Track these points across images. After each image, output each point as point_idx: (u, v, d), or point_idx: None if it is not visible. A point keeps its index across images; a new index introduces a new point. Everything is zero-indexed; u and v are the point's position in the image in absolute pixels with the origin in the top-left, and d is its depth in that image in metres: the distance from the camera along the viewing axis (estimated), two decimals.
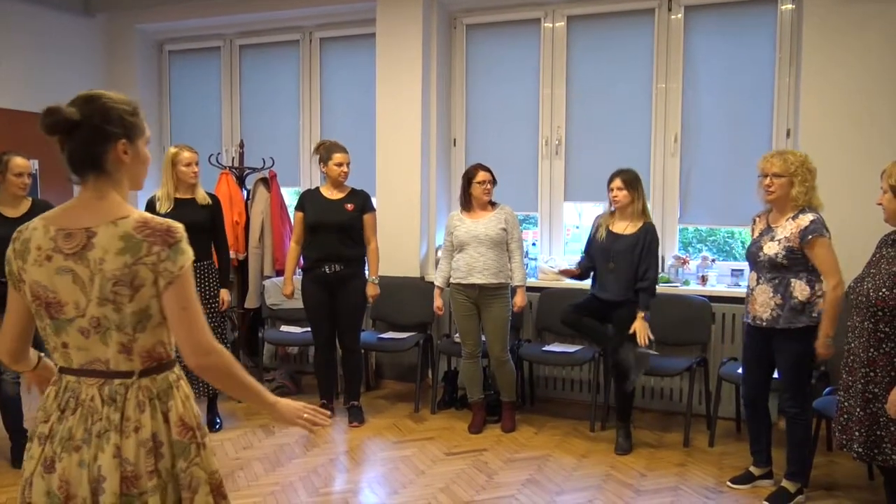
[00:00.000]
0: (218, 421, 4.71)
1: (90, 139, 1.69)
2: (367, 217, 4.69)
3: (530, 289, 5.04)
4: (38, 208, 4.06)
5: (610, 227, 4.31)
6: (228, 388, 1.82)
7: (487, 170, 4.59)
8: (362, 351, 5.00)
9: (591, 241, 4.41)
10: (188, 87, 6.67)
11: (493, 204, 4.65)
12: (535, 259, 5.43)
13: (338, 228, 4.58)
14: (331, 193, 4.66)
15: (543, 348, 4.88)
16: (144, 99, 6.58)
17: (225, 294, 4.58)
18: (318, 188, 4.76)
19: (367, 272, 4.78)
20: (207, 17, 6.15)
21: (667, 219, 5.18)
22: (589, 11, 5.29)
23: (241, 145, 6.00)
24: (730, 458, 4.15)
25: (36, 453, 1.71)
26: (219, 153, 6.02)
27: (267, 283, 5.67)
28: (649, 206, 5.12)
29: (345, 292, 4.64)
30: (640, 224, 4.26)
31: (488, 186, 4.56)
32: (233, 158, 6.11)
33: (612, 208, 4.35)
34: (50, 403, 1.73)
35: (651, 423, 4.77)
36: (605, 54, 5.27)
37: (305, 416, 1.91)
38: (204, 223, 4.43)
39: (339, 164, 4.59)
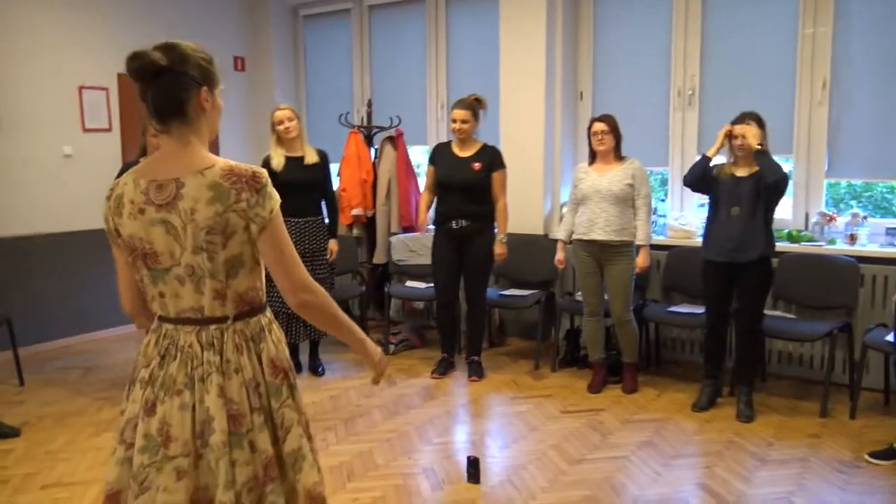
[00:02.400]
0: (320, 366, 4.94)
1: (175, 85, 1.71)
2: (495, 175, 4.64)
3: (658, 247, 4.86)
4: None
5: (734, 173, 4.03)
6: (326, 324, 1.86)
7: (603, 120, 4.41)
8: (486, 307, 5.03)
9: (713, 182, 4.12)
10: (321, 50, 6.87)
11: (621, 157, 4.47)
12: (665, 216, 5.19)
13: (462, 187, 4.59)
14: (460, 150, 4.66)
15: (669, 309, 4.68)
16: (281, 62, 6.87)
17: (333, 244, 4.75)
18: (449, 143, 4.77)
19: (495, 229, 4.75)
20: None
21: (812, 171, 4.77)
22: None
23: (370, 105, 6.13)
24: (872, 431, 3.82)
25: (138, 396, 1.78)
26: (348, 112, 6.17)
27: (393, 239, 5.79)
28: (791, 159, 4.80)
29: (472, 247, 4.67)
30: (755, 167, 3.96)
31: (601, 137, 4.38)
32: (361, 118, 6.25)
33: (732, 158, 4.07)
34: (150, 350, 1.81)
35: (785, 390, 4.47)
36: None
37: (382, 364, 1.97)
38: (313, 180, 4.62)
39: (454, 121, 4.58)
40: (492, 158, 4.64)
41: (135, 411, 1.78)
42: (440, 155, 4.73)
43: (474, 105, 4.63)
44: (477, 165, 4.59)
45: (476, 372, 4.81)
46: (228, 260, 1.73)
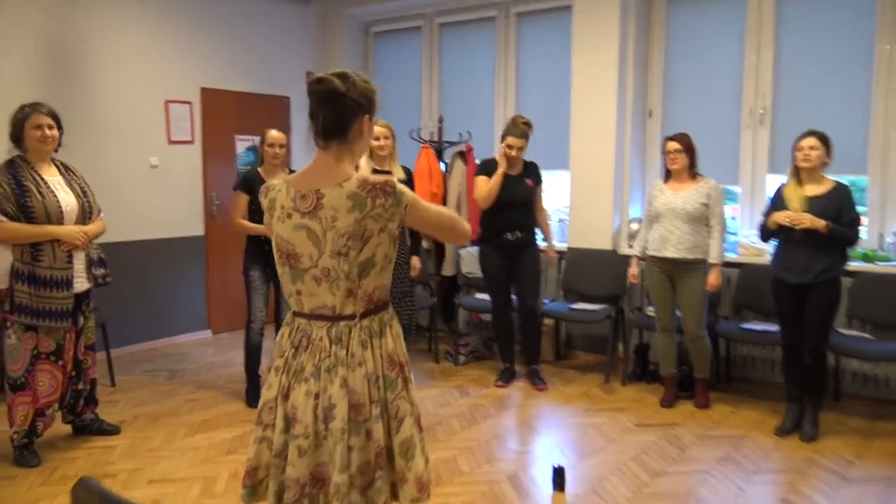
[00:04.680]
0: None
1: (346, 109, 1.92)
2: (539, 188, 4.97)
3: (730, 264, 4.90)
4: None
5: (804, 193, 4.05)
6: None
7: (676, 139, 4.49)
8: (542, 316, 5.14)
9: (775, 208, 4.12)
10: (392, 67, 7.06)
11: (696, 176, 4.54)
12: (735, 234, 5.23)
13: (522, 203, 4.86)
14: (510, 169, 4.85)
15: (741, 326, 4.72)
16: None
17: (416, 261, 4.86)
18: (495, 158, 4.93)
19: (538, 237, 5.03)
20: None
21: (888, 191, 4.78)
22: None
23: (440, 120, 6.28)
24: None
25: (275, 382, 1.99)
26: (419, 128, 6.33)
27: (463, 251, 5.92)
28: (866, 178, 4.81)
29: (524, 258, 4.89)
30: (830, 184, 3.99)
31: (674, 156, 4.47)
32: (431, 133, 6.41)
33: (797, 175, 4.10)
34: (285, 342, 2.01)
35: (861, 410, 4.47)
36: (819, 16, 4.93)
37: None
38: None
39: (510, 147, 4.79)
40: (537, 174, 4.98)
41: (270, 396, 1.99)
42: (493, 171, 4.87)
43: (528, 131, 4.85)
44: (530, 182, 4.89)
45: (539, 380, 4.95)
46: (363, 262, 1.90)
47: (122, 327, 5.52)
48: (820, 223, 3.85)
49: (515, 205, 4.84)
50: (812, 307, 4.02)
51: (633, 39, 5.45)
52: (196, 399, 4.67)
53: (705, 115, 5.40)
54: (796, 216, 3.91)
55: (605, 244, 5.54)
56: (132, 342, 5.73)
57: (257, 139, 6.60)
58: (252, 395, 4.49)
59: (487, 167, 4.93)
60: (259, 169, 4.65)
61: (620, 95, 5.46)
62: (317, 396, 1.92)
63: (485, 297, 5.65)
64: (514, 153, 4.77)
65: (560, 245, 5.68)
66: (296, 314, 2.01)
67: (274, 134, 4.59)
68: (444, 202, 6.00)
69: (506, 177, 4.82)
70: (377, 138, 4.70)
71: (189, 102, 6.04)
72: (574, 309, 5.28)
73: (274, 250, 2.01)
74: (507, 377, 5.04)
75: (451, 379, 5.18)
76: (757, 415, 4.40)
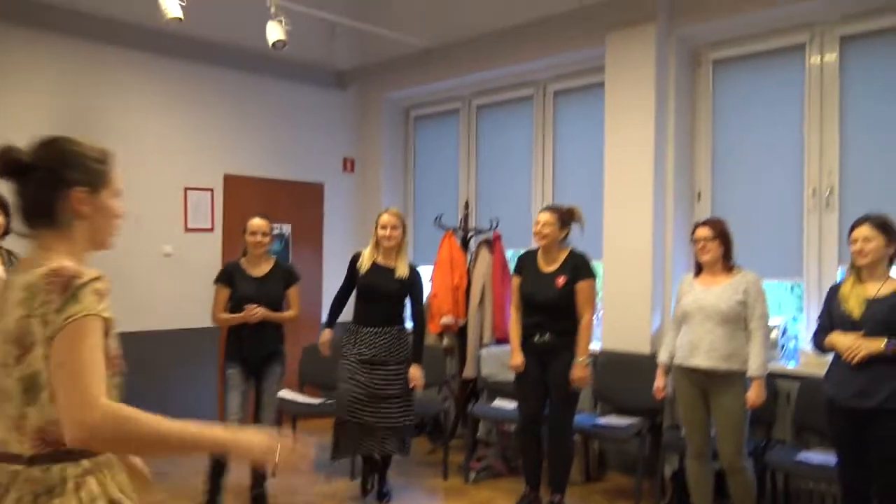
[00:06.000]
0: (388, 492, 4.44)
1: (42, 184, 1.47)
2: (580, 286, 4.08)
3: (789, 376, 4.03)
4: (279, 268, 4.27)
5: (863, 294, 3.22)
6: (140, 451, 1.56)
7: (707, 224, 3.78)
8: (574, 436, 4.35)
9: (830, 312, 3.33)
10: (431, 151, 6.70)
11: (731, 268, 3.77)
12: (796, 338, 4.33)
13: (545, 304, 4.09)
14: (545, 262, 4.17)
15: (799, 456, 3.79)
16: (391, 162, 6.75)
17: (415, 371, 4.26)
18: (535, 252, 4.27)
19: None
20: (449, 78, 6.08)
21: None
22: (868, 28, 4.20)
23: (466, 206, 5.79)
24: None
25: None
26: (442, 214, 5.83)
27: (483, 351, 5.28)
28: None
29: (556, 366, 4.09)
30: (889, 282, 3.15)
31: (703, 245, 3.72)
32: (460, 220, 5.91)
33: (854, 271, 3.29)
34: None
35: None
36: (892, 76, 4.13)
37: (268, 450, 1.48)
38: (396, 293, 4.24)
39: (536, 223, 4.14)
40: (577, 268, 4.10)
41: None
42: (526, 267, 4.26)
43: (561, 210, 4.16)
44: (560, 281, 4.07)
45: None
46: (23, 379, 1.39)
47: None
48: (878, 346, 3.02)
49: (540, 305, 4.10)
50: (878, 440, 3.12)
51: (673, 111, 4.80)
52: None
53: (762, 196, 4.62)
54: (850, 348, 3.11)
55: (643, 347, 4.75)
56: None
57: (287, 227, 6.37)
58: None
59: (520, 265, 4.30)
60: (242, 260, 4.31)
61: (659, 175, 4.78)
62: None
63: (506, 404, 4.96)
64: (537, 229, 4.11)
65: (593, 347, 4.94)
66: None
67: (256, 222, 4.26)
68: (467, 295, 5.43)
69: (537, 271, 4.18)
70: (384, 227, 4.26)
71: (210, 190, 5.87)
72: (600, 425, 4.49)
73: None
74: None
75: (455, 501, 4.47)
76: None
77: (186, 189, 5.74)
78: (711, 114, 4.87)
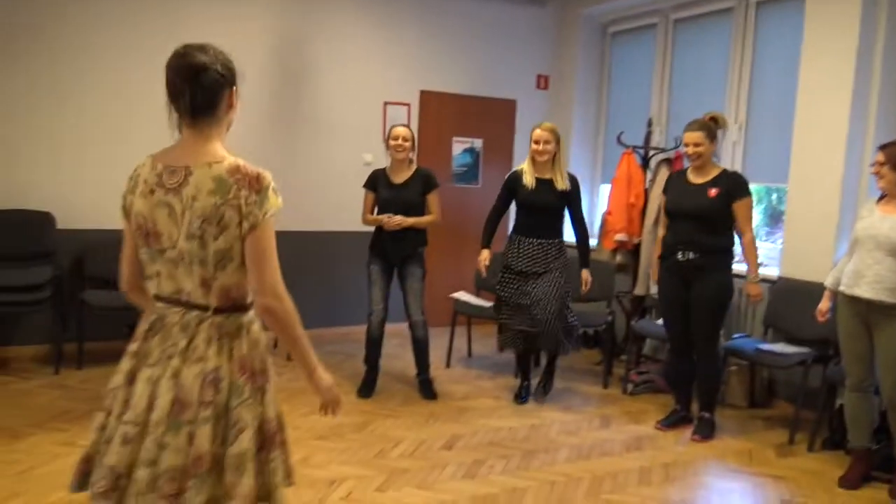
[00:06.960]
0: (549, 387, 4.76)
1: (213, 83, 1.81)
2: (739, 204, 3.99)
3: None
4: (419, 175, 4.60)
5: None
6: (283, 336, 1.86)
7: (884, 149, 3.48)
8: (721, 355, 4.31)
9: None
10: (626, 69, 6.58)
11: None
12: None
13: (694, 215, 4.02)
14: (695, 176, 4.12)
15: None
16: (585, 80, 6.76)
17: (586, 274, 4.48)
18: (685, 170, 4.23)
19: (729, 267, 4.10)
20: None
21: None
22: None
23: (649, 124, 5.69)
24: None
25: (124, 367, 1.89)
26: (622, 132, 5.75)
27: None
28: None
29: (699, 286, 4.06)
30: None
31: (878, 170, 3.46)
32: (644, 138, 5.82)
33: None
34: (142, 326, 1.92)
35: None
36: None
37: (330, 394, 1.97)
38: (556, 204, 4.41)
39: (686, 145, 4.07)
40: (735, 185, 3.99)
41: (116, 381, 1.89)
42: (673, 183, 4.21)
43: (709, 126, 4.05)
44: (713, 191, 3.98)
45: (702, 431, 4.16)
46: (219, 252, 1.78)
47: (306, 311, 5.90)
48: None
49: (686, 216, 4.05)
50: None
51: (885, 19, 4.33)
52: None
53: None
54: None
55: (823, 277, 4.45)
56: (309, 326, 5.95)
57: (477, 141, 6.70)
58: (364, 387, 4.55)
59: (667, 184, 4.35)
60: (387, 167, 4.69)
61: (859, 93, 4.38)
62: (155, 383, 1.81)
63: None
64: (690, 151, 4.05)
65: (769, 272, 4.77)
66: (156, 297, 1.91)
67: (398, 129, 4.61)
68: (643, 214, 5.42)
69: (686, 183, 4.16)
70: (537, 142, 4.42)
71: (407, 104, 6.31)
72: (762, 350, 4.37)
73: (133, 228, 1.90)
74: (671, 420, 4.34)
75: (606, 407, 4.65)
76: None
77: (385, 103, 6.22)
78: None
